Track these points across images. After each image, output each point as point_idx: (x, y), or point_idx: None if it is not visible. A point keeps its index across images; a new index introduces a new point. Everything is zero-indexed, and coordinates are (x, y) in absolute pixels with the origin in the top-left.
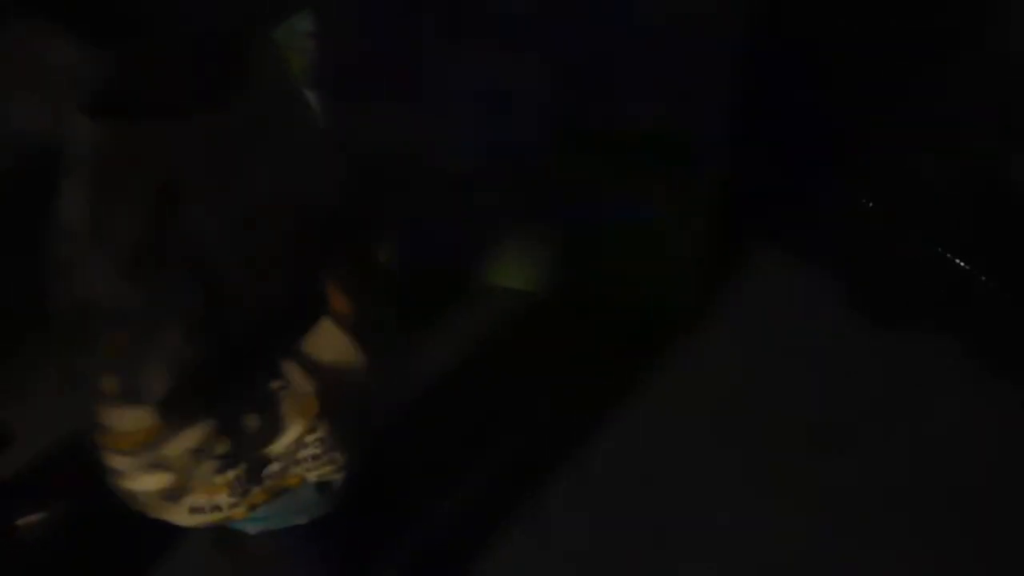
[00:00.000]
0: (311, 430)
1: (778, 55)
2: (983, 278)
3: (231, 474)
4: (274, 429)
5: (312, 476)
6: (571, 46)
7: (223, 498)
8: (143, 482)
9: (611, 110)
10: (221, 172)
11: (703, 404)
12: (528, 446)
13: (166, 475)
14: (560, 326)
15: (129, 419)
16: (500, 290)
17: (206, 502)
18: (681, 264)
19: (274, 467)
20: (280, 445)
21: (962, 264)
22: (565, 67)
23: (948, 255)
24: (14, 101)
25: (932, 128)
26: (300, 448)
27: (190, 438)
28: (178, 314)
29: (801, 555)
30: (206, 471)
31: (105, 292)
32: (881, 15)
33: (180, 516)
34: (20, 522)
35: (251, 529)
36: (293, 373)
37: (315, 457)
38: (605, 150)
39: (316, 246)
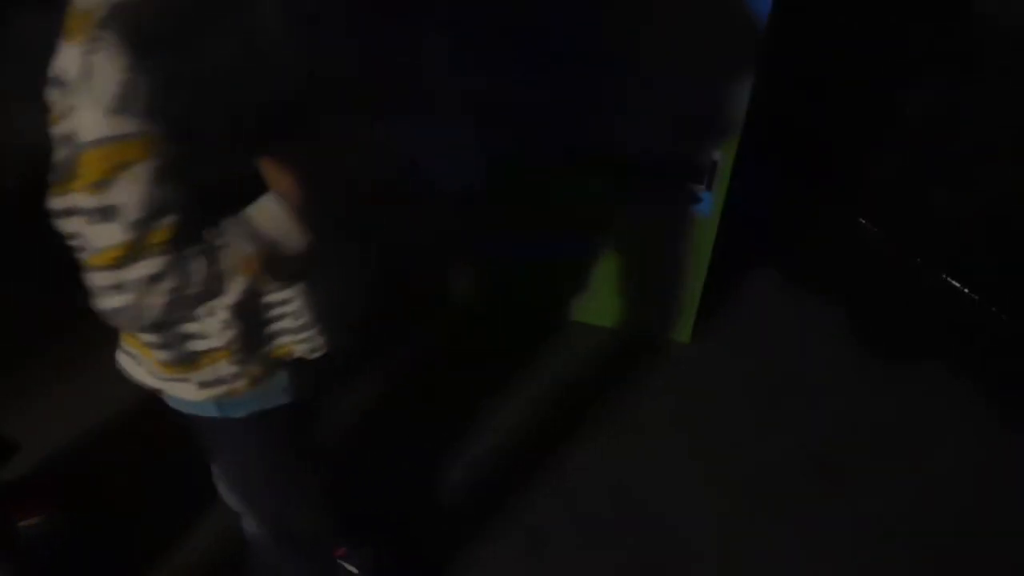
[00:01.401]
0: (254, 290)
1: (782, 78)
2: (992, 308)
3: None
4: (217, 280)
5: (296, 350)
6: (574, 68)
7: (226, 369)
8: (109, 301)
9: (614, 134)
10: (187, 36)
11: (699, 434)
12: (520, 472)
13: (125, 296)
14: (556, 348)
15: (103, 236)
16: (584, 327)
17: (211, 375)
18: (679, 290)
19: (269, 331)
20: (227, 299)
21: (968, 292)
22: (566, 87)
23: (956, 284)
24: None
25: (943, 156)
26: (277, 317)
27: (148, 266)
28: (151, 151)
29: None
30: (156, 300)
31: (91, 127)
32: (888, 41)
33: (190, 392)
34: (23, 523)
35: (242, 412)
36: (234, 233)
37: (295, 330)
38: (606, 174)
39: (266, 123)
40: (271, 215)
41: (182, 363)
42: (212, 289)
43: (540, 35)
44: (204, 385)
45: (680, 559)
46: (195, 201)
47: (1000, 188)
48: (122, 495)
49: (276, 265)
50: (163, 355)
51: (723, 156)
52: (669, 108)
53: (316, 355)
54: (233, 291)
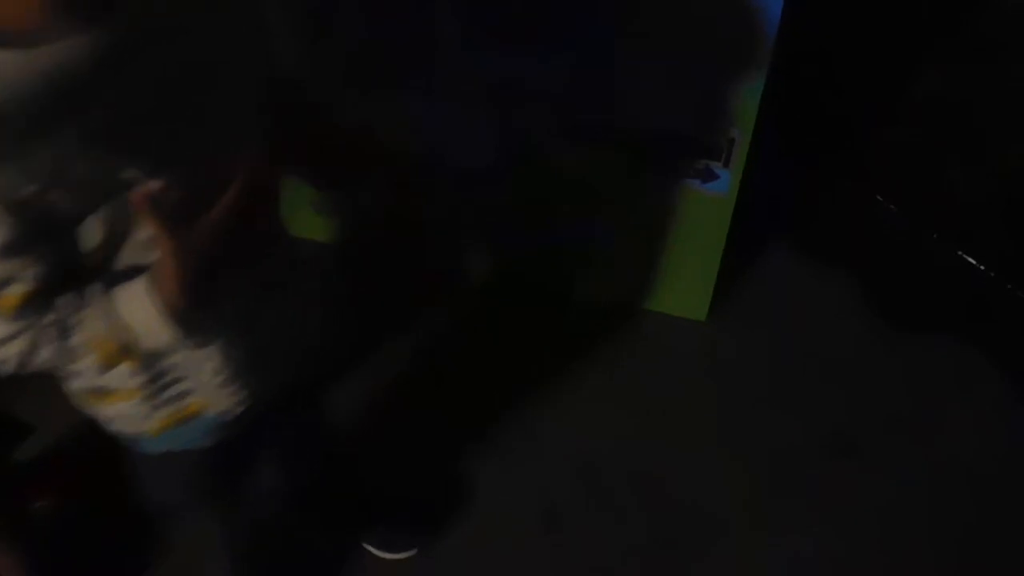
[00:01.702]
0: (108, 366)
1: (799, 55)
2: (1008, 285)
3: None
4: (67, 354)
5: (215, 406)
6: (590, 45)
7: (134, 411)
8: None
9: (630, 111)
10: (55, 106)
11: (715, 411)
12: (535, 452)
13: None
14: (575, 329)
15: None
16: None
17: (122, 412)
18: (695, 268)
19: (176, 390)
20: (84, 368)
21: (985, 269)
22: (580, 63)
23: (972, 261)
24: None
25: (959, 133)
26: (193, 372)
27: None
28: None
29: (813, 563)
30: (6, 361)
31: None
32: (904, 18)
33: (105, 418)
34: (36, 505)
35: (154, 449)
36: (92, 311)
37: (214, 386)
38: (621, 152)
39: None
40: (135, 304)
41: (90, 395)
42: (61, 361)
43: (551, 13)
44: (116, 417)
45: (698, 536)
46: (56, 272)
47: (1016, 165)
48: (131, 480)
49: (135, 351)
50: (72, 383)
51: (740, 134)
52: (686, 85)
53: (239, 409)
54: (86, 366)
